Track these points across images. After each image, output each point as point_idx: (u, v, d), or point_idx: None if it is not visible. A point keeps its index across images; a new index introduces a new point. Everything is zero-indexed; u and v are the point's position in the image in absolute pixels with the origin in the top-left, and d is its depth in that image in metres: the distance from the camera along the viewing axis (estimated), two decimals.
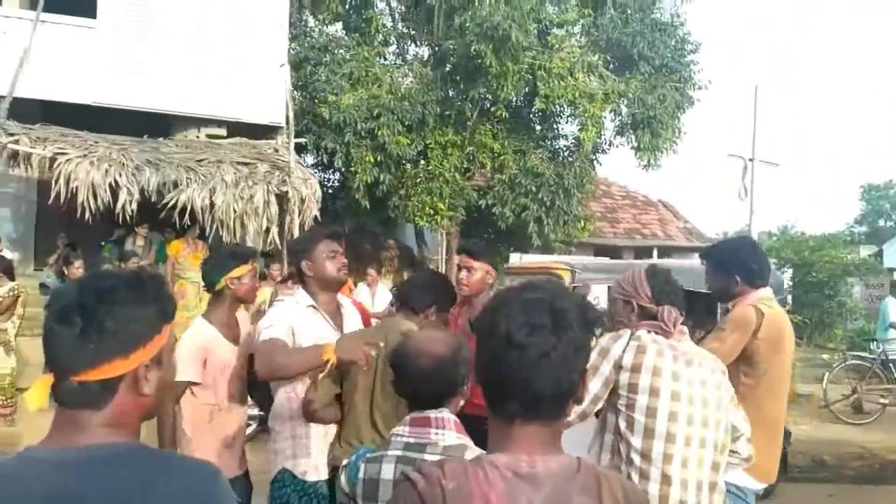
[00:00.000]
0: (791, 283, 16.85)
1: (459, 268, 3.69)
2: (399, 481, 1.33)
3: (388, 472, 1.81)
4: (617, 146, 14.98)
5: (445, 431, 1.87)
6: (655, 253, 19.28)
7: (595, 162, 15.04)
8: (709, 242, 20.42)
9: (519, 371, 1.25)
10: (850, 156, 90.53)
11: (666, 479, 2.35)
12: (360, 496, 1.83)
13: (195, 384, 3.20)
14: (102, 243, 11.51)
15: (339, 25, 15.34)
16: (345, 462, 1.96)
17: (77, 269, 7.38)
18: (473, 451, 1.81)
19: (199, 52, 11.37)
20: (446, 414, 1.91)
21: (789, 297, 16.21)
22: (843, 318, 16.56)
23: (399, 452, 1.84)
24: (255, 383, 3.37)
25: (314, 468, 3.08)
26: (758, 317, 3.16)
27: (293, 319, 2.99)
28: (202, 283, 3.57)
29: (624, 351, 2.42)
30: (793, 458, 7.21)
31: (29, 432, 6.78)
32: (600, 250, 18.39)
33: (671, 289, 2.63)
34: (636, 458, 2.37)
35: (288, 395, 3.07)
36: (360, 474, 1.85)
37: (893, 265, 20.09)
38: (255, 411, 5.99)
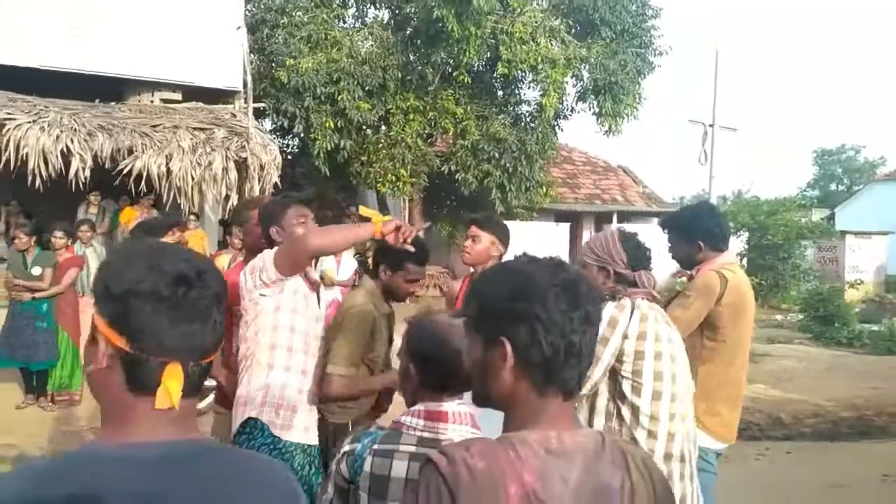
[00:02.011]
0: (747, 247, 17.18)
1: (467, 237, 3.67)
2: (423, 465, 1.24)
3: (399, 469, 1.68)
4: (578, 112, 15.03)
5: (462, 427, 1.76)
6: (615, 218, 19.50)
7: (557, 128, 15.06)
8: (667, 207, 20.75)
9: (589, 347, 1.27)
10: (804, 121, 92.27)
11: (671, 437, 2.47)
12: (366, 490, 1.70)
13: None
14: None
15: None
16: (346, 448, 1.80)
17: (23, 239, 7.16)
18: None
19: (152, 15, 10.99)
20: (464, 408, 1.79)
21: (745, 260, 16.56)
22: (797, 280, 16.97)
23: (412, 448, 1.71)
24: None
25: (304, 430, 2.90)
26: (721, 283, 3.18)
27: None
28: None
29: (630, 320, 2.47)
30: (751, 416, 7.41)
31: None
32: (561, 216, 18.52)
33: (644, 253, 2.66)
34: (645, 421, 2.45)
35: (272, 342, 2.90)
36: (367, 467, 1.71)
37: (845, 228, 20.60)
38: (212, 382, 5.91)
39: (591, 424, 2.53)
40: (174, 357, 1.12)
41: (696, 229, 3.34)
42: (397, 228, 2.74)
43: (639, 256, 2.63)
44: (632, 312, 2.48)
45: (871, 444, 7.17)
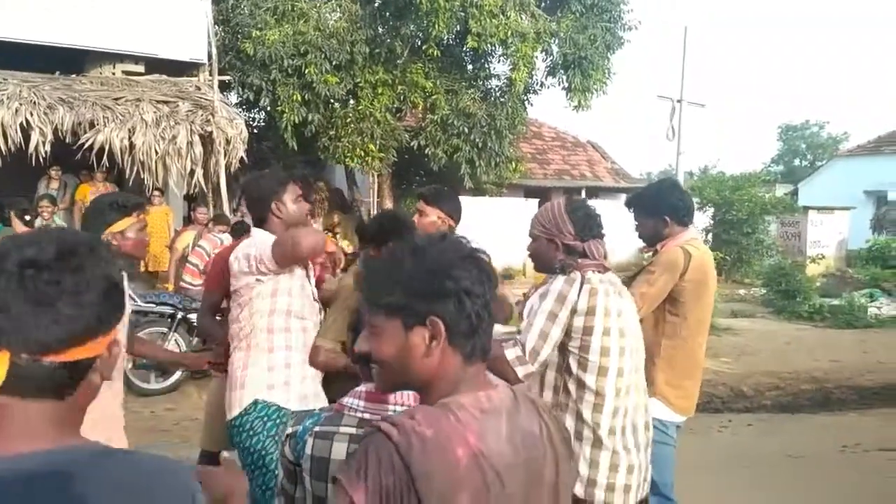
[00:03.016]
0: (712, 222, 17.40)
1: (416, 211, 3.68)
2: (368, 433, 1.24)
3: (339, 451, 1.67)
4: (548, 87, 14.98)
5: (405, 407, 1.72)
6: (584, 193, 19.60)
7: (527, 103, 15.02)
8: (635, 183, 20.90)
9: (477, 314, 1.29)
10: (770, 97, 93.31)
11: (616, 411, 2.48)
12: (308, 472, 1.69)
13: None
14: None
15: None
16: (290, 430, 1.79)
17: (47, 208, 7.00)
18: None
19: None
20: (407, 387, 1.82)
21: (709, 236, 16.78)
22: (760, 255, 17.25)
23: (353, 430, 1.69)
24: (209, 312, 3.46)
25: (315, 396, 2.98)
26: (685, 258, 3.22)
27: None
28: None
29: (579, 295, 2.44)
30: (714, 389, 7.56)
31: None
32: (530, 192, 18.57)
33: (593, 223, 2.60)
34: (589, 396, 2.46)
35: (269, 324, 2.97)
36: (308, 449, 1.69)
37: (808, 203, 20.95)
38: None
39: (541, 397, 2.54)
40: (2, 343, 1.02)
41: (661, 205, 3.37)
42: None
43: (588, 225, 2.57)
44: (581, 287, 2.45)
45: (831, 416, 7.37)
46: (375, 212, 15.27)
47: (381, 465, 1.18)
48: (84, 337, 1.05)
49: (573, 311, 2.43)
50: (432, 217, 3.59)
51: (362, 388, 1.78)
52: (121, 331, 1.15)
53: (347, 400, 1.77)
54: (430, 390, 1.31)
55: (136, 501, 1.03)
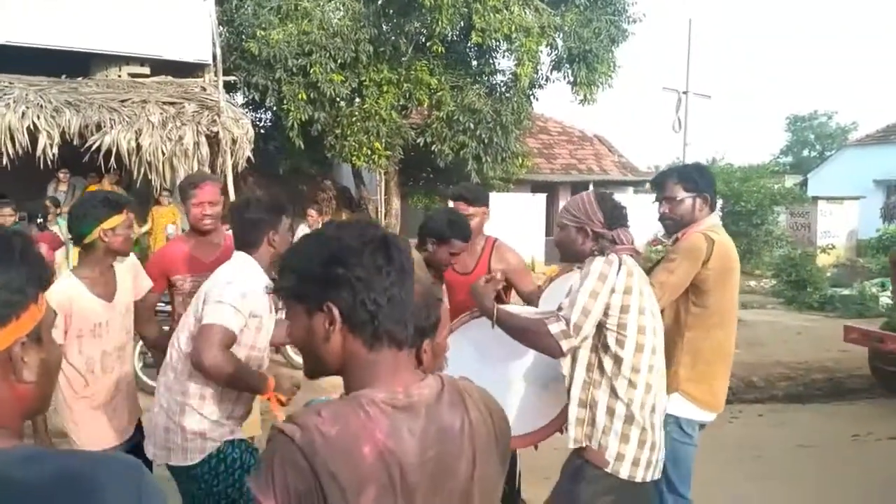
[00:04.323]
0: (721, 214, 17.35)
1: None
2: (273, 435, 1.23)
3: None
4: (553, 81, 14.96)
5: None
6: (591, 188, 19.57)
7: (532, 97, 15.00)
8: (642, 176, 20.82)
9: (374, 301, 1.29)
10: (777, 87, 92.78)
11: (648, 388, 2.56)
12: None
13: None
14: None
15: None
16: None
17: (9, 216, 7.02)
18: None
19: None
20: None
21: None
22: (770, 246, 17.18)
23: None
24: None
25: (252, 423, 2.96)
26: (708, 244, 3.06)
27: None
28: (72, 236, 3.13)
29: (617, 275, 2.52)
30: None
31: None
32: (538, 186, 18.55)
33: (620, 213, 2.71)
34: (626, 371, 2.53)
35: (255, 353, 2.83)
36: None
37: (817, 193, 20.85)
38: None
39: (572, 374, 2.60)
40: None
41: (701, 181, 3.23)
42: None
43: (616, 215, 2.68)
44: (619, 267, 2.53)
45: (841, 405, 7.32)
46: (383, 209, 15.29)
47: (287, 468, 1.17)
48: None
49: (612, 290, 2.50)
50: (478, 217, 3.63)
51: None
52: (41, 330, 1.07)
53: None
54: (345, 377, 1.34)
55: (75, 497, 0.96)
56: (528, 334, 2.58)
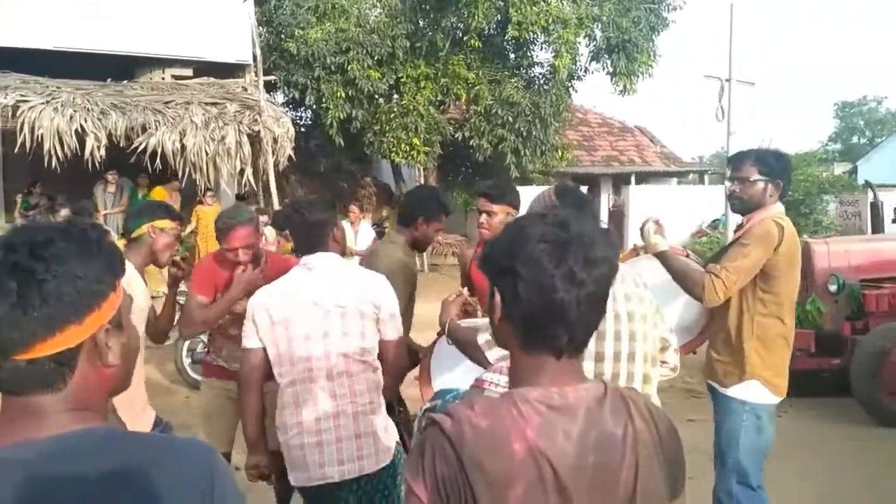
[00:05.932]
0: None
1: (479, 212, 3.60)
2: (427, 425, 1.25)
3: None
4: (592, 72, 14.80)
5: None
6: (633, 179, 19.34)
7: (571, 89, 14.87)
8: (686, 167, 20.52)
9: (578, 306, 1.24)
10: (824, 73, 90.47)
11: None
12: None
13: None
14: (17, 199, 11.31)
15: None
16: (427, 405, 1.77)
17: (65, 217, 7.24)
18: None
19: None
20: None
21: None
22: (819, 235, 16.78)
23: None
24: None
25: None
26: (779, 231, 3.08)
27: None
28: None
29: None
30: None
31: None
32: (578, 179, 18.39)
33: (585, 206, 2.57)
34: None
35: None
36: None
37: (868, 181, 20.27)
38: None
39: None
40: None
41: (778, 167, 3.20)
42: None
43: (580, 207, 2.50)
44: None
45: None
46: None
47: (436, 456, 1.20)
48: (46, 334, 1.03)
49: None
50: (501, 215, 3.48)
51: (504, 363, 1.71)
52: (120, 315, 1.13)
53: (488, 375, 1.76)
54: (510, 365, 1.34)
55: (150, 476, 1.03)
56: (469, 347, 2.44)
